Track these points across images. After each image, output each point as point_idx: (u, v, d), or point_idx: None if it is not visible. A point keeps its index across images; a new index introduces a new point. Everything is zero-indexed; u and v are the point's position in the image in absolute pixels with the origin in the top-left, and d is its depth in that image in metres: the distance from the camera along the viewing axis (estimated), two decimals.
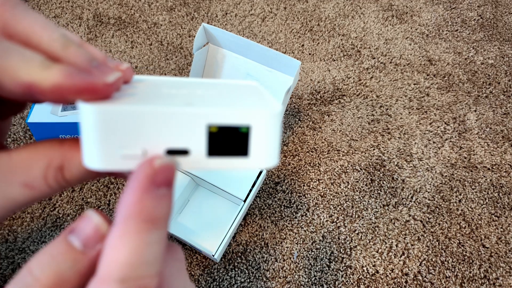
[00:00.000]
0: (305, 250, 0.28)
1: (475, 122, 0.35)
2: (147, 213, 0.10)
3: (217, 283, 0.26)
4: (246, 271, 0.27)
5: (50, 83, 0.09)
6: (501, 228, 0.30)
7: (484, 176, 0.32)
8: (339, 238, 0.29)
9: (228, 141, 0.11)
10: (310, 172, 0.32)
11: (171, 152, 0.11)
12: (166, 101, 0.11)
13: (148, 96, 0.11)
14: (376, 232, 0.29)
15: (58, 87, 0.09)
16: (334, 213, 0.30)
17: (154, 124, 0.10)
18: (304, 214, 0.30)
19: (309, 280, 0.27)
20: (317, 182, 0.31)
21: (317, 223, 0.29)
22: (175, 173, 0.10)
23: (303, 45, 0.41)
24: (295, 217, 0.30)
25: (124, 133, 0.10)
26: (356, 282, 0.27)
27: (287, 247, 0.28)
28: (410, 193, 0.31)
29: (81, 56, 0.10)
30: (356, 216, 0.30)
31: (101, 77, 0.10)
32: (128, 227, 0.10)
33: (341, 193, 0.31)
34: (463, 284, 0.27)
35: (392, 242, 0.29)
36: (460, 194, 0.31)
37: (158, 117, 0.10)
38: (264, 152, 0.11)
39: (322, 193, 0.31)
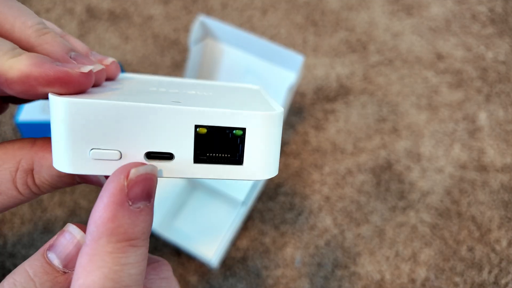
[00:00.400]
0: (308, 256, 0.27)
1: (485, 121, 0.34)
2: (122, 232, 0.08)
3: None
4: (246, 278, 0.26)
5: (17, 72, 0.08)
6: None
7: (495, 178, 0.31)
8: (343, 243, 0.28)
9: (219, 145, 0.09)
10: (313, 173, 0.31)
11: (152, 156, 0.09)
12: (150, 98, 0.09)
13: (131, 92, 0.10)
14: (382, 237, 0.28)
15: (26, 77, 0.08)
16: (338, 216, 0.29)
17: (133, 122, 0.09)
18: (307, 218, 0.29)
19: (312, 287, 0.26)
20: (321, 184, 0.30)
21: (320, 228, 0.28)
22: (156, 183, 0.09)
23: (305, 40, 0.40)
24: (298, 221, 0.29)
25: (99, 132, 0.08)
26: None
27: (289, 253, 0.27)
28: (418, 196, 0.30)
29: (58, 45, 0.09)
30: (362, 220, 0.29)
31: (77, 67, 0.09)
32: (100, 247, 0.08)
33: (346, 195, 0.30)
34: None
35: (399, 247, 0.28)
36: (469, 197, 0.30)
37: (138, 114, 0.09)
38: (261, 160, 0.10)
39: (325, 196, 0.30)
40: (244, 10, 0.41)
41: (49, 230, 0.28)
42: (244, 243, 0.27)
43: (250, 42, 0.26)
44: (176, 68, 0.37)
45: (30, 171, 0.09)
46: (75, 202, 0.29)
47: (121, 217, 0.08)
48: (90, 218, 0.08)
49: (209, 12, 0.41)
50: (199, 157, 0.09)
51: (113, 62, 0.11)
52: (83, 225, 0.10)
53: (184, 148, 0.09)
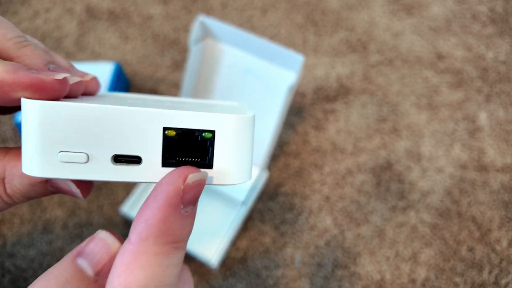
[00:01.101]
0: (308, 256, 0.27)
1: (485, 121, 0.34)
2: (171, 234, 0.08)
3: None
4: (246, 278, 0.26)
5: None
6: None
7: (495, 178, 0.31)
8: (343, 243, 0.28)
9: (188, 149, 0.09)
10: (313, 173, 0.31)
11: (120, 160, 0.09)
12: (121, 103, 0.09)
13: (103, 100, 0.10)
14: (382, 237, 0.28)
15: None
16: (338, 216, 0.29)
17: (100, 124, 0.09)
18: (307, 218, 0.29)
19: (312, 287, 0.26)
20: (321, 184, 0.30)
21: (320, 228, 0.28)
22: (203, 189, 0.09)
23: (305, 40, 0.40)
24: (298, 221, 0.28)
25: (67, 134, 0.08)
26: None
27: (289, 253, 0.27)
28: (418, 196, 0.30)
29: (37, 57, 0.09)
30: (362, 220, 0.29)
31: (51, 74, 0.09)
32: (146, 248, 0.08)
33: (346, 195, 0.30)
34: None
35: (399, 247, 0.28)
36: (470, 197, 0.30)
37: (106, 116, 0.09)
38: (232, 165, 0.09)
39: (325, 196, 0.30)
40: (244, 10, 0.41)
41: (49, 230, 0.28)
42: (244, 243, 0.27)
43: (250, 42, 0.26)
44: (176, 68, 0.37)
45: (2, 180, 0.09)
46: (75, 202, 0.29)
47: (173, 220, 0.08)
48: (140, 216, 0.08)
49: (209, 12, 0.41)
50: (167, 161, 0.09)
51: (93, 78, 0.11)
52: (114, 231, 0.10)
53: (152, 152, 0.09)
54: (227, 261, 0.27)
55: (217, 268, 0.26)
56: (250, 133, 0.10)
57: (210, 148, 0.09)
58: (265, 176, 0.29)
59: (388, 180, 0.31)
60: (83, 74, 0.11)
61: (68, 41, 0.38)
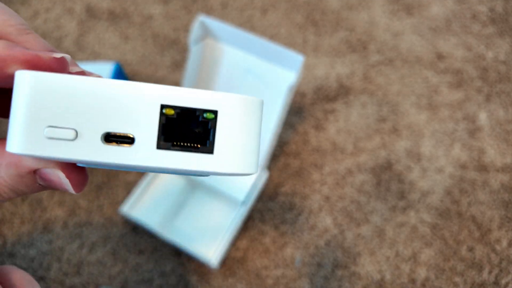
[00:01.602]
0: (308, 256, 0.27)
1: (485, 121, 0.34)
2: None
3: None
4: (246, 278, 0.26)
5: None
6: None
7: (495, 178, 0.31)
8: (343, 243, 0.28)
9: (187, 129, 0.08)
10: (313, 173, 0.31)
11: (111, 140, 0.08)
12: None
13: None
14: (382, 237, 0.28)
15: None
16: (338, 216, 0.29)
17: (94, 98, 0.08)
18: (307, 218, 0.29)
19: (312, 287, 0.26)
20: (321, 184, 0.30)
21: (320, 228, 0.28)
22: None
23: (305, 40, 0.40)
24: (298, 221, 0.28)
25: (57, 108, 0.08)
26: None
27: (289, 253, 0.27)
28: (418, 196, 0.30)
29: (39, 44, 0.09)
30: (362, 220, 0.29)
31: (49, 53, 0.08)
32: None
33: (346, 195, 0.30)
34: None
35: (399, 247, 0.28)
36: (470, 197, 0.30)
37: (100, 90, 0.08)
38: (235, 151, 0.08)
39: (325, 196, 0.30)
40: (244, 10, 0.41)
41: (49, 229, 0.28)
42: (244, 243, 0.27)
43: (250, 42, 0.26)
44: (176, 68, 0.37)
45: None
46: (75, 202, 0.29)
47: None
48: None
49: (209, 12, 0.41)
50: (163, 142, 0.08)
51: (94, 75, 0.11)
52: None
53: (147, 132, 0.08)
54: (227, 261, 0.27)
55: (217, 268, 0.26)
56: (258, 118, 0.09)
57: (211, 130, 0.08)
58: (265, 176, 0.29)
59: (388, 180, 0.31)
60: (84, 70, 0.11)
61: (68, 41, 0.38)
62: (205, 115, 0.08)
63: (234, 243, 0.27)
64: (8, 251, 0.27)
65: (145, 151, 0.08)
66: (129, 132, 0.08)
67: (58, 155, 0.08)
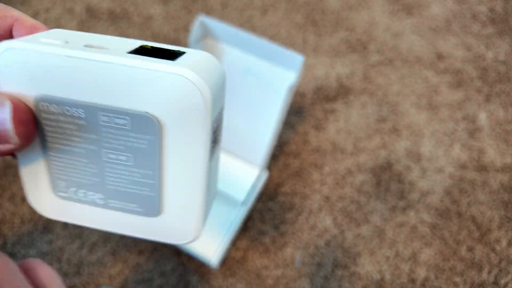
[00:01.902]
0: (308, 256, 0.27)
1: (485, 121, 0.34)
2: None
3: None
4: (246, 278, 0.26)
5: None
6: None
7: (495, 178, 0.31)
8: (343, 243, 0.28)
9: (159, 52, 0.11)
10: (313, 173, 0.31)
11: (90, 46, 0.11)
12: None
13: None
14: (382, 237, 0.28)
15: None
16: (338, 216, 0.29)
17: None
18: (307, 218, 0.29)
19: (312, 287, 0.26)
20: (321, 184, 0.30)
21: (320, 228, 0.28)
22: None
23: (305, 40, 0.40)
24: (298, 221, 0.28)
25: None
26: None
27: (289, 253, 0.27)
28: (418, 196, 0.30)
29: None
30: (362, 220, 0.29)
31: None
32: None
33: (346, 195, 0.30)
34: None
35: (399, 247, 0.28)
36: (469, 197, 0.30)
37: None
38: (194, 60, 0.11)
39: (325, 196, 0.30)
40: (244, 10, 0.41)
41: (49, 230, 0.28)
42: (244, 243, 0.27)
43: (250, 42, 0.26)
44: None
45: None
46: None
47: None
48: None
49: (209, 12, 0.41)
50: (134, 52, 0.11)
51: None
52: None
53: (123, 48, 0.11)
54: (227, 261, 0.27)
55: (217, 268, 0.26)
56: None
57: (179, 55, 0.11)
58: (265, 176, 0.29)
59: (388, 180, 0.31)
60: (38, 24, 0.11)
61: None
62: (174, 51, 0.11)
63: (234, 243, 0.27)
64: (8, 251, 0.27)
65: (116, 55, 0.10)
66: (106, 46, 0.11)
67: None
